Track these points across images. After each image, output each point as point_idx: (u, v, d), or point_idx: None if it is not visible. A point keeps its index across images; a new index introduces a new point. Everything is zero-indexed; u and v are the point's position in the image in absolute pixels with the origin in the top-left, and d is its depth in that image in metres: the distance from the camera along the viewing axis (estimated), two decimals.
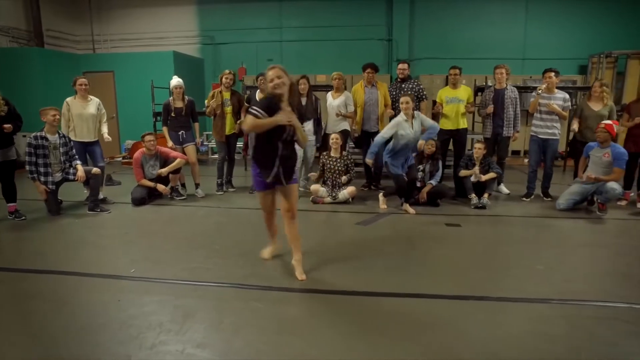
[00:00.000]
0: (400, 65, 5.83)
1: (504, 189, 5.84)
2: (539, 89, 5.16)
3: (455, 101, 5.54)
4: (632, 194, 5.31)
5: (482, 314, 2.55)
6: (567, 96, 5.28)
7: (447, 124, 5.62)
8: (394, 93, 5.78)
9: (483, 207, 5.00)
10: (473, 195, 5.13)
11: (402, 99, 4.68)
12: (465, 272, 3.18)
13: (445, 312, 2.58)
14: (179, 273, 3.15)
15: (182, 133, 5.63)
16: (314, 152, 5.77)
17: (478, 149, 5.32)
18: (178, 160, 5.42)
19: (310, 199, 5.35)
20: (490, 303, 2.68)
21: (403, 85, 5.78)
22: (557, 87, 5.36)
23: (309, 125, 5.51)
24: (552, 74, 5.16)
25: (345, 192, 5.22)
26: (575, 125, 5.25)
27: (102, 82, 9.49)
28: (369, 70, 5.60)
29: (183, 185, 5.85)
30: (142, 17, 10.56)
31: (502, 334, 2.31)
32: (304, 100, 5.47)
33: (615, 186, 4.55)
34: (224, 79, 5.56)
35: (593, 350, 2.16)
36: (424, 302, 2.71)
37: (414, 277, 3.08)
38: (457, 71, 5.57)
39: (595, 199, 4.91)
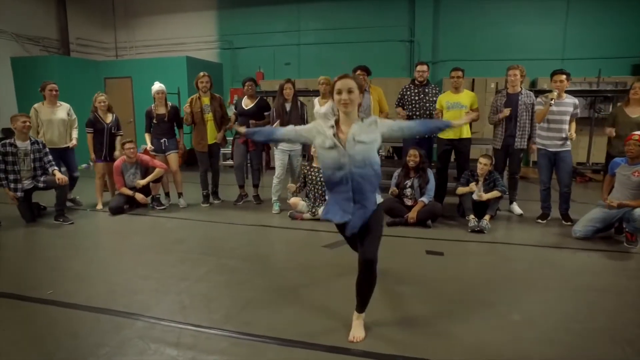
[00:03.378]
0: (420, 67, 5.16)
1: (516, 208, 5.04)
2: (551, 97, 4.34)
3: (458, 107, 4.84)
4: None
5: None
6: (577, 102, 4.47)
7: (448, 133, 4.93)
8: (415, 98, 5.14)
9: (481, 231, 4.28)
10: (472, 216, 4.43)
11: (339, 83, 2.22)
12: (400, 321, 2.54)
13: None
14: (103, 296, 2.83)
15: (165, 141, 5.39)
16: (301, 161, 5.31)
17: (484, 165, 4.60)
18: (157, 170, 5.22)
19: (289, 214, 4.90)
20: None
21: (427, 90, 5.15)
22: (567, 91, 4.56)
23: None
24: (564, 76, 4.34)
25: None
26: (609, 130, 4.41)
27: (120, 87, 9.68)
28: (358, 72, 5.05)
29: (167, 194, 5.64)
30: (164, 23, 10.68)
31: None
32: (288, 106, 5.05)
33: None
34: (199, 83, 5.23)
35: None
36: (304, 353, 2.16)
37: (325, 323, 2.49)
38: (460, 73, 4.87)
39: (623, 226, 4.03)
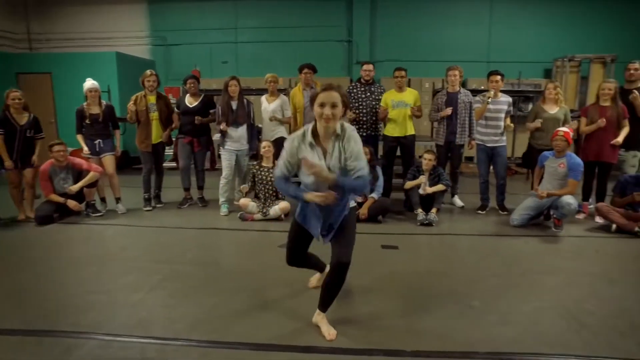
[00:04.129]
0: (366, 66, 5.23)
1: (458, 201, 5.36)
2: (488, 96, 4.71)
3: (402, 105, 5.02)
4: (591, 207, 4.88)
5: None
6: (511, 100, 4.91)
7: (393, 131, 5.10)
8: (362, 97, 5.18)
9: (430, 223, 4.49)
10: (419, 210, 4.62)
11: (323, 96, 2.10)
12: (368, 317, 2.58)
13: None
14: (44, 317, 2.52)
15: (99, 142, 4.97)
16: (248, 161, 5.19)
17: (428, 161, 4.82)
18: (91, 174, 4.79)
19: (239, 215, 4.77)
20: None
21: (372, 89, 5.21)
22: (501, 91, 4.95)
23: (241, 131, 4.95)
24: (499, 77, 4.73)
25: (277, 208, 4.65)
26: (532, 125, 4.81)
27: (38, 84, 8.74)
28: (305, 70, 5.06)
29: (103, 199, 5.22)
30: (88, 15, 9.84)
31: None
32: (234, 104, 4.90)
33: (571, 201, 4.09)
34: (146, 82, 4.96)
35: None
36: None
37: (294, 324, 2.46)
38: (403, 73, 5.05)
39: (551, 213, 4.46)
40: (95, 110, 4.95)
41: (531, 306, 2.70)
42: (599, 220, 4.57)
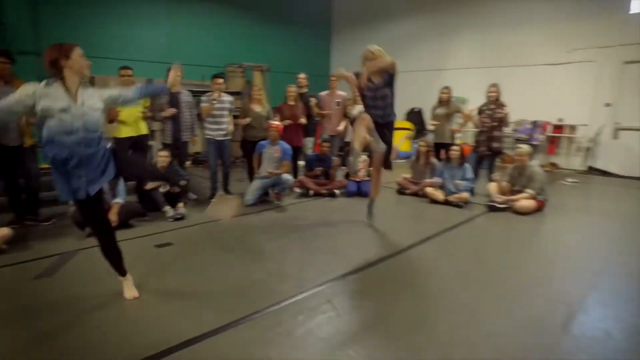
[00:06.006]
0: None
1: (190, 194, 5.72)
2: (213, 97, 5.32)
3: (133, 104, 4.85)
4: None
5: None
6: (232, 99, 5.76)
7: (126, 131, 4.87)
8: None
9: (182, 217, 4.69)
10: (167, 207, 4.72)
11: (81, 50, 2.53)
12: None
13: None
14: None
15: None
16: None
17: (164, 157, 4.91)
18: None
19: None
20: None
21: None
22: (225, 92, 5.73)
23: None
24: (221, 80, 5.46)
25: None
26: (231, 126, 5.71)
27: None
28: (2, 59, 3.99)
29: None
30: None
31: None
32: None
33: (289, 177, 5.40)
34: None
35: None
36: None
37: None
38: (129, 72, 4.90)
39: (271, 190, 5.60)
40: None
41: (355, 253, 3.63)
42: (297, 189, 6.12)
